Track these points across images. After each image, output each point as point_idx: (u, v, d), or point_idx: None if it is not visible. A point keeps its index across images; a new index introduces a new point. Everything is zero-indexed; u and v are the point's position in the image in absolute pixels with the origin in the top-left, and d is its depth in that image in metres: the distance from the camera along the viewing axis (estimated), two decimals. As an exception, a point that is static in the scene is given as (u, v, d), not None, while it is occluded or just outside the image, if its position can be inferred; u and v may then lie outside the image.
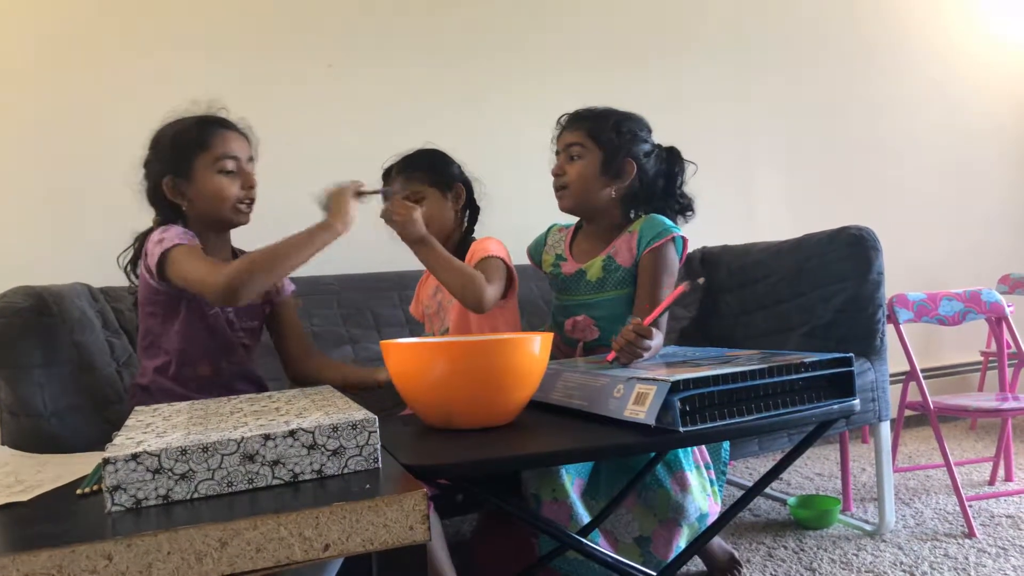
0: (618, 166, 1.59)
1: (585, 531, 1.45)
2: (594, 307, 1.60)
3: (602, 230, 1.65)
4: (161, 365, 1.43)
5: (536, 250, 1.76)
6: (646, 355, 1.27)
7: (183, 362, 1.42)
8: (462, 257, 1.57)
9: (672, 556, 1.46)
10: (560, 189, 1.61)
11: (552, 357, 1.63)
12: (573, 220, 1.75)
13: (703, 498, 1.52)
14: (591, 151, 1.57)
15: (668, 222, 1.60)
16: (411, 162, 1.68)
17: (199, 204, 1.43)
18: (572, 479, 1.47)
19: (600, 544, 1.47)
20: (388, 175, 1.69)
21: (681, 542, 1.48)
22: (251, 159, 1.47)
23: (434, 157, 1.70)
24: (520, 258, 1.92)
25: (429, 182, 1.66)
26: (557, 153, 1.66)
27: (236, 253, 1.54)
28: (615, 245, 1.61)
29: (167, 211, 1.45)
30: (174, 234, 1.35)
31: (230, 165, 1.42)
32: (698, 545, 1.31)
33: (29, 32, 2.02)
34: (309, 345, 1.62)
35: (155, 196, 1.46)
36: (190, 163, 1.41)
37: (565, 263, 1.67)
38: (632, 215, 1.66)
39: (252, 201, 1.46)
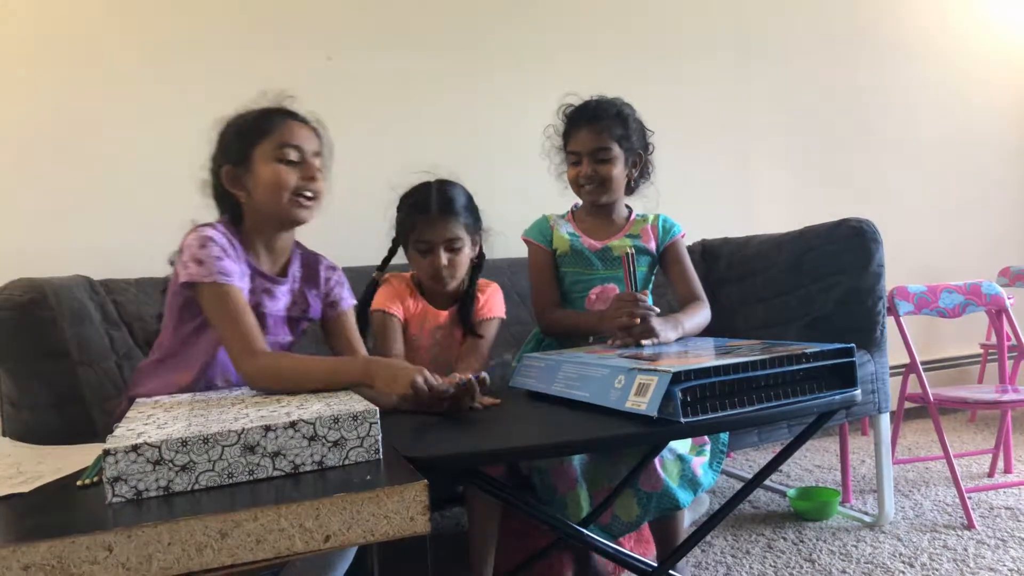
0: (633, 161, 1.76)
1: (587, 521, 1.46)
2: (620, 280, 1.72)
3: (611, 213, 1.80)
4: (177, 373, 1.33)
5: (544, 234, 1.80)
6: (646, 338, 1.44)
7: (200, 378, 1.32)
8: (466, 295, 1.65)
9: (661, 488, 1.49)
10: (596, 187, 1.72)
11: (563, 344, 1.67)
12: (558, 208, 1.87)
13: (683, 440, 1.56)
14: (617, 153, 1.71)
15: (673, 220, 1.85)
16: (463, 202, 1.62)
17: (257, 195, 1.32)
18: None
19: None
20: (427, 208, 1.58)
21: (664, 474, 1.50)
22: (317, 154, 1.36)
23: (472, 201, 1.66)
24: (513, 251, 1.93)
25: (467, 228, 1.61)
26: (574, 153, 1.73)
27: (304, 259, 1.45)
28: (636, 229, 1.79)
29: (227, 205, 1.38)
30: (207, 256, 1.24)
31: (292, 155, 1.31)
32: (700, 535, 1.31)
33: (29, 29, 2.01)
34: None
35: (216, 189, 1.38)
36: (250, 151, 1.32)
37: (584, 240, 1.78)
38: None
39: (315, 196, 1.34)
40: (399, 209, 1.65)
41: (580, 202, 1.84)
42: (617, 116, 1.73)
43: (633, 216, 1.83)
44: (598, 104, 1.74)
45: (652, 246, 1.78)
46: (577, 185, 1.75)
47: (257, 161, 1.32)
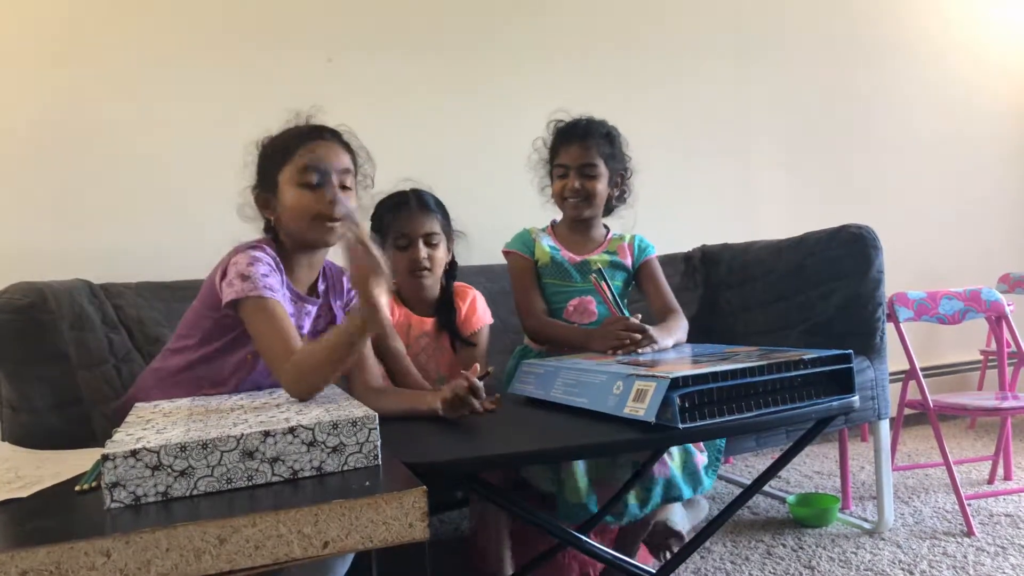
0: (615, 181, 1.82)
1: (588, 526, 1.45)
2: (598, 293, 1.73)
3: (589, 230, 1.85)
4: (209, 385, 1.32)
5: (526, 245, 1.82)
6: (646, 346, 1.49)
7: (228, 392, 1.31)
8: (444, 302, 1.70)
9: (668, 474, 1.51)
10: (581, 201, 1.77)
11: (552, 341, 1.68)
12: (538, 222, 1.90)
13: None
14: (603, 171, 1.77)
15: (648, 241, 1.89)
16: (434, 205, 1.68)
17: (283, 219, 1.33)
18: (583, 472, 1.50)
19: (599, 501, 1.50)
20: (405, 204, 1.65)
21: (671, 463, 1.52)
22: (346, 171, 1.34)
23: (444, 206, 1.71)
24: (493, 256, 1.93)
25: (443, 228, 1.68)
26: (562, 166, 1.77)
27: (327, 271, 1.46)
28: (613, 246, 1.84)
29: (265, 225, 1.39)
30: (254, 273, 1.23)
31: (313, 178, 1.29)
32: (699, 541, 1.31)
33: (30, 28, 2.02)
34: (374, 377, 1.42)
35: (254, 209, 1.38)
36: (275, 175, 1.32)
37: (563, 253, 1.81)
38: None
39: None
40: (374, 216, 1.68)
41: (559, 217, 1.88)
42: (606, 136, 1.79)
43: (610, 235, 1.87)
44: (588, 122, 1.80)
45: (628, 262, 1.83)
46: (562, 198, 1.79)
47: (282, 185, 1.32)
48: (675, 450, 1.54)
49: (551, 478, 1.48)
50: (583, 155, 1.75)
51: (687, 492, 1.53)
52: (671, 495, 1.51)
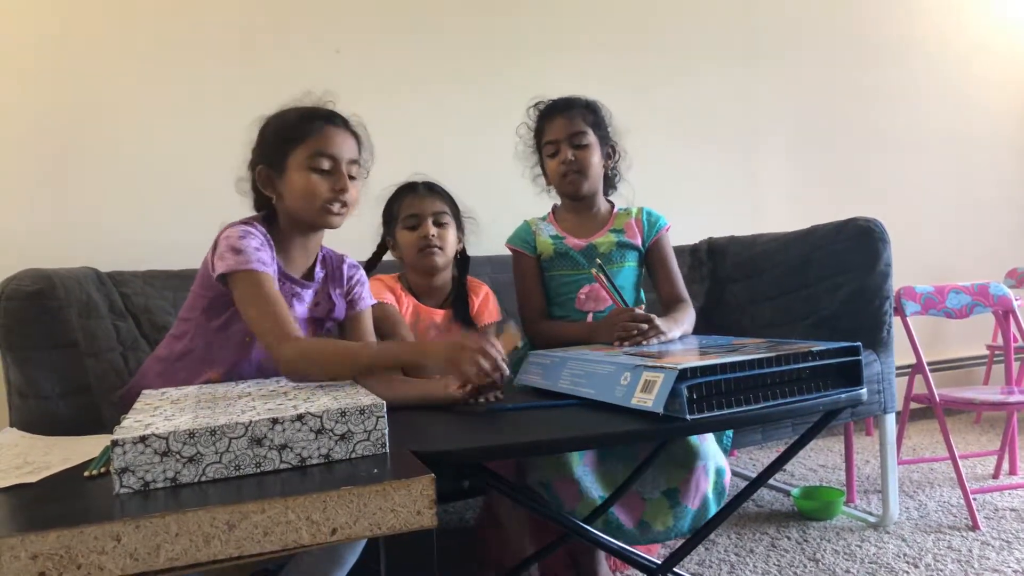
0: (607, 151, 1.78)
1: (598, 512, 1.45)
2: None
3: (592, 209, 1.81)
4: (207, 368, 1.32)
5: (527, 241, 1.80)
6: (653, 337, 1.46)
7: (232, 374, 1.31)
8: (459, 293, 1.72)
9: (700, 503, 1.49)
10: (575, 175, 1.72)
11: (556, 343, 1.68)
12: (537, 212, 1.89)
13: (718, 450, 1.55)
14: (593, 140, 1.73)
15: (658, 213, 1.83)
16: (443, 191, 1.71)
17: (287, 200, 1.32)
18: (579, 455, 1.48)
19: (619, 513, 1.49)
20: (414, 187, 1.70)
21: (708, 489, 1.50)
22: (354, 161, 1.35)
23: (451, 194, 1.73)
24: (499, 247, 1.92)
25: (453, 214, 1.70)
26: (552, 143, 1.74)
27: (327, 259, 1.45)
28: (620, 223, 1.79)
29: (260, 201, 1.38)
30: (246, 246, 1.24)
31: (325, 164, 1.30)
32: (704, 534, 1.31)
33: (30, 18, 2.01)
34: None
35: (252, 184, 1.38)
36: (284, 156, 1.31)
37: (567, 240, 1.78)
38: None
39: (346, 205, 1.33)
40: (385, 208, 1.72)
41: (559, 202, 1.85)
42: (587, 106, 1.76)
43: (616, 210, 1.83)
44: (567, 97, 1.78)
45: (638, 241, 1.78)
46: (559, 176, 1.74)
47: (290, 167, 1.31)
48: (711, 468, 1.51)
49: (545, 486, 1.47)
50: (570, 125, 1.72)
51: (712, 512, 1.51)
52: (697, 525, 1.49)
